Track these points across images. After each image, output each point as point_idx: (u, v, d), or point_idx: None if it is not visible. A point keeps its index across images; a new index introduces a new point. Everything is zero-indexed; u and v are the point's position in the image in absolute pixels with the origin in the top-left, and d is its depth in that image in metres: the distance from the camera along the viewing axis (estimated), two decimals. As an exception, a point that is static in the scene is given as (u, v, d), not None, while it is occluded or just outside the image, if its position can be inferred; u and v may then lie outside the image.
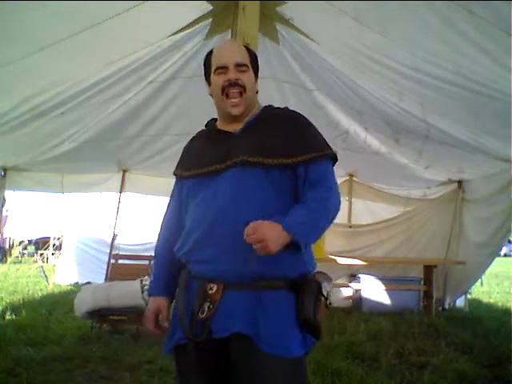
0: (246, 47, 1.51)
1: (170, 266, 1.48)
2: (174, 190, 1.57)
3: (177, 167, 1.56)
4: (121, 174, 5.74)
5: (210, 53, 1.49)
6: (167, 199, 1.60)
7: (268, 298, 1.27)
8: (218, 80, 1.41)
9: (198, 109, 3.86)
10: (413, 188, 6.05)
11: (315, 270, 1.38)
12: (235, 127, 1.43)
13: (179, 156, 1.60)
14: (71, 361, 3.53)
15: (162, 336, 1.47)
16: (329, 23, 2.69)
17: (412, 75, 2.83)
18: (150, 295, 1.50)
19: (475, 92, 2.78)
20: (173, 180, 1.60)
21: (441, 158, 4.55)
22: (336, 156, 1.42)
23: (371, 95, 3.38)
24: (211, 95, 1.49)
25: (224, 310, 1.28)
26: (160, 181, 5.92)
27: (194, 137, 1.60)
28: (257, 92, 1.51)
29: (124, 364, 3.51)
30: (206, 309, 1.29)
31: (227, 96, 1.39)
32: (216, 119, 1.54)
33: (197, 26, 2.84)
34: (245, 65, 1.42)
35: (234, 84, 1.38)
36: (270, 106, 1.52)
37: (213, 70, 1.43)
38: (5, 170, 4.98)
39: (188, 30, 2.86)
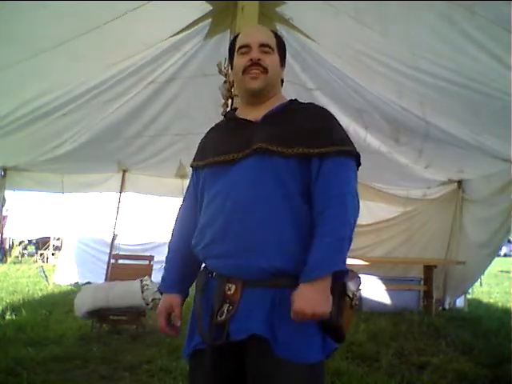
0: (274, 32, 1.47)
1: (184, 263, 1.42)
2: (189, 184, 1.52)
3: (193, 159, 1.50)
4: (121, 174, 5.74)
5: (236, 36, 1.46)
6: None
7: (287, 297, 1.18)
8: (240, 60, 1.37)
9: (197, 109, 3.87)
10: (413, 188, 6.05)
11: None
12: (256, 115, 1.37)
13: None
14: (71, 361, 3.53)
15: (170, 336, 1.41)
16: (329, 23, 2.69)
17: (412, 74, 2.83)
18: (161, 292, 1.43)
19: (475, 91, 2.78)
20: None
21: (441, 158, 4.54)
22: (358, 155, 1.33)
23: (371, 94, 3.38)
24: (227, 82, 1.45)
25: (242, 310, 1.22)
26: (160, 181, 5.93)
27: (212, 127, 1.54)
28: (282, 81, 1.48)
29: (124, 364, 3.51)
30: (225, 311, 1.23)
31: (248, 73, 1.35)
32: (235, 109, 1.50)
33: (196, 26, 2.84)
34: (269, 46, 1.38)
35: (255, 64, 1.34)
36: (295, 99, 1.47)
37: (236, 50, 1.40)
38: (5, 169, 4.98)
39: (188, 31, 2.86)
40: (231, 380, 1.30)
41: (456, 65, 2.58)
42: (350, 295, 1.24)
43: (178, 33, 2.85)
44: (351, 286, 1.25)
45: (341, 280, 1.21)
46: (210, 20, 2.83)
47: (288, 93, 3.41)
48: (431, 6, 2.18)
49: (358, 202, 1.27)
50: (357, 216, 1.25)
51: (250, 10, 2.49)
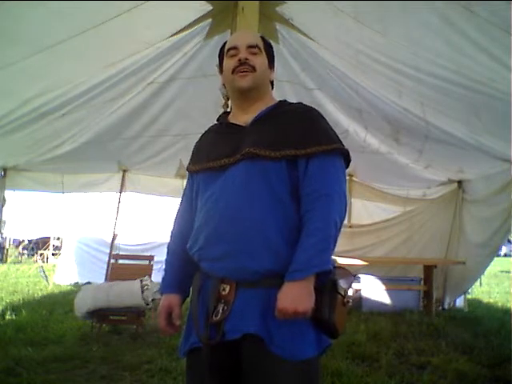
0: (262, 37, 1.50)
1: (183, 264, 1.45)
2: (186, 187, 1.55)
3: (189, 163, 1.53)
4: (121, 174, 5.75)
5: (225, 43, 1.48)
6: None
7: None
8: (229, 62, 1.40)
9: (197, 109, 3.88)
10: (413, 188, 6.05)
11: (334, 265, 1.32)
12: (246, 119, 1.39)
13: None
14: (71, 361, 3.53)
15: (171, 335, 1.44)
16: (329, 23, 2.69)
17: (412, 74, 2.83)
18: (161, 293, 1.47)
19: (475, 91, 2.79)
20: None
21: (441, 158, 4.55)
22: (347, 152, 1.34)
23: (371, 94, 3.38)
24: (224, 85, 1.48)
25: (237, 310, 1.25)
26: (160, 181, 5.93)
27: (206, 131, 1.56)
28: (272, 83, 1.49)
29: (124, 364, 3.51)
30: (221, 311, 1.26)
31: (237, 73, 1.37)
32: (228, 113, 1.52)
33: (196, 26, 2.84)
34: (256, 46, 1.40)
35: (243, 63, 1.36)
36: (285, 100, 1.48)
37: (225, 53, 1.43)
38: (5, 169, 4.98)
39: (188, 31, 2.86)
40: (228, 378, 1.32)
41: (456, 65, 2.59)
42: (342, 293, 1.26)
43: (178, 32, 2.85)
44: (342, 283, 1.27)
45: (328, 277, 1.24)
46: (210, 20, 2.84)
47: (288, 93, 3.45)
48: (431, 7, 2.18)
49: (346, 201, 1.29)
50: (343, 215, 1.28)
51: (250, 10, 2.49)
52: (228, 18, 2.77)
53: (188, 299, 1.47)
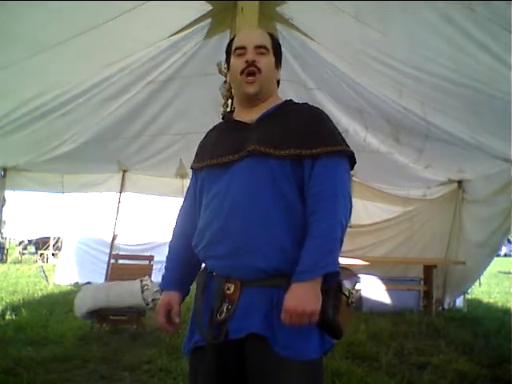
0: (270, 34, 1.50)
1: (184, 262, 1.46)
2: (190, 185, 1.55)
3: (193, 161, 1.53)
4: (121, 174, 5.74)
5: (233, 39, 1.49)
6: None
7: (284, 297, 1.20)
8: (236, 62, 1.40)
9: (197, 109, 3.88)
10: (413, 188, 6.05)
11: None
12: (252, 116, 1.40)
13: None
14: (71, 361, 3.53)
15: (169, 333, 1.44)
16: (329, 22, 2.69)
17: (412, 73, 2.83)
18: (161, 290, 1.48)
19: (475, 90, 2.78)
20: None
21: (441, 158, 4.54)
22: (353, 154, 1.34)
23: (371, 94, 3.38)
24: (227, 82, 1.47)
25: (241, 309, 1.25)
26: (160, 181, 5.93)
27: (210, 129, 1.57)
28: (278, 82, 1.50)
29: (124, 364, 3.51)
30: (225, 310, 1.27)
31: (245, 76, 1.38)
32: (233, 111, 1.53)
33: (196, 26, 2.84)
34: (264, 47, 1.40)
35: (251, 65, 1.37)
36: (290, 100, 1.49)
37: (232, 51, 1.43)
38: (5, 169, 4.97)
39: (187, 31, 2.86)
40: (231, 378, 1.32)
41: (456, 64, 2.58)
42: (346, 293, 1.27)
43: (177, 32, 2.85)
44: (347, 284, 1.28)
45: (335, 279, 1.23)
46: (209, 20, 2.84)
47: (288, 92, 3.44)
48: (432, 6, 2.18)
49: (351, 202, 1.29)
50: (348, 216, 1.27)
51: (249, 9, 2.49)
52: (228, 18, 2.77)
53: (187, 298, 1.48)
